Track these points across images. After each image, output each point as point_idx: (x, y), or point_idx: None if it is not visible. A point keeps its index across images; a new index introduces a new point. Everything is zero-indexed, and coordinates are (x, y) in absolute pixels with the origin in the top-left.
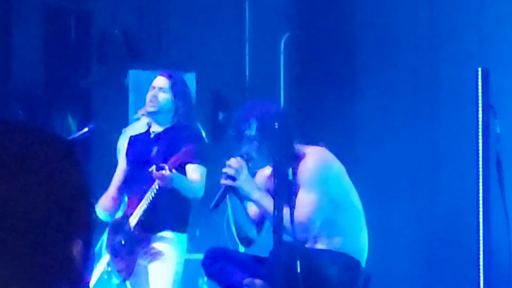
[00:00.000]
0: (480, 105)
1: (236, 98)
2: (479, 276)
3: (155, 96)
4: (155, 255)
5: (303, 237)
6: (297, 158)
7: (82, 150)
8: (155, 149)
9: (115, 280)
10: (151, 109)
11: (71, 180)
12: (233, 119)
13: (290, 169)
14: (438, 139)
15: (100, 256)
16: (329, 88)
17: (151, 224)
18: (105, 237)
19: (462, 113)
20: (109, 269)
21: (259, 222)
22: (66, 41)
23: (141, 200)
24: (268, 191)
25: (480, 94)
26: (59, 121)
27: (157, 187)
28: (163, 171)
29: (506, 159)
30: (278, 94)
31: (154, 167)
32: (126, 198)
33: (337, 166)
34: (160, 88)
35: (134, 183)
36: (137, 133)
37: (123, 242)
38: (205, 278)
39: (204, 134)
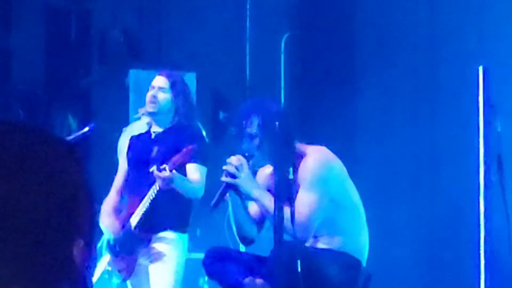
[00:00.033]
0: (481, 104)
1: (236, 97)
2: (479, 276)
3: (154, 96)
4: (156, 255)
5: (303, 236)
6: (298, 157)
7: (83, 150)
8: (155, 150)
9: (116, 280)
10: (151, 110)
11: (71, 180)
12: (235, 116)
13: (291, 168)
14: (439, 138)
15: (100, 255)
16: (330, 88)
17: (152, 224)
18: (105, 236)
19: (463, 112)
20: (110, 268)
21: (260, 221)
22: (66, 41)
23: (141, 200)
24: (269, 190)
25: (481, 93)
26: (60, 121)
27: (157, 187)
28: (164, 172)
29: (507, 158)
30: (278, 93)
31: (154, 167)
32: (126, 198)
33: (338, 166)
34: (160, 88)
35: (135, 184)
36: (137, 133)
37: (123, 242)
38: (206, 278)
39: (204, 134)
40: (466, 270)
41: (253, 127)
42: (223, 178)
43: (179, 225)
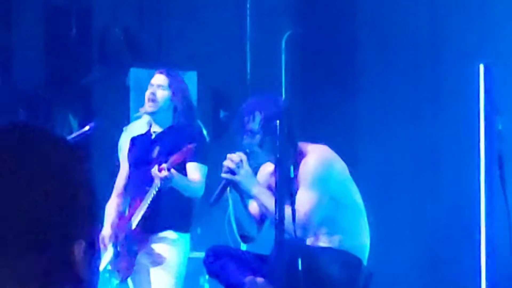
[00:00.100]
0: (482, 102)
1: (237, 96)
2: (480, 275)
3: (153, 94)
4: (157, 255)
5: (302, 234)
6: (299, 155)
7: (85, 149)
8: (156, 149)
9: (115, 280)
10: (151, 110)
11: (72, 180)
12: (238, 112)
13: (292, 167)
14: (439, 137)
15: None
16: (330, 87)
17: (153, 224)
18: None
19: (463, 111)
20: (110, 267)
21: (260, 220)
22: (67, 40)
23: (142, 200)
24: (269, 188)
25: (482, 91)
26: (60, 120)
27: (156, 187)
28: (162, 171)
29: (508, 157)
30: (279, 92)
31: (156, 167)
32: (129, 199)
33: (339, 165)
34: (159, 86)
35: (137, 184)
36: (138, 133)
37: (124, 242)
38: (207, 277)
39: (205, 133)
40: (467, 270)
41: (255, 123)
42: (223, 174)
43: (180, 225)
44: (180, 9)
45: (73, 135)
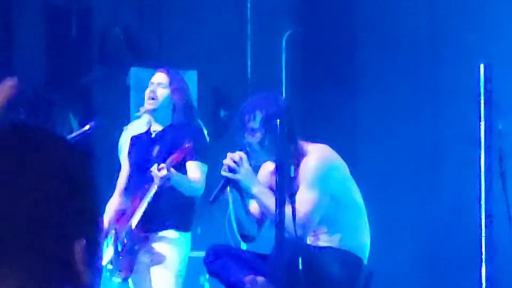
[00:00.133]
0: (482, 101)
1: (237, 95)
2: (480, 274)
3: (153, 91)
4: (157, 254)
5: (302, 234)
6: (300, 155)
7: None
8: (156, 148)
9: (116, 279)
10: (150, 107)
11: (72, 179)
12: (239, 110)
13: (292, 166)
14: (440, 136)
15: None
16: (331, 86)
17: (152, 223)
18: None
19: (463, 110)
20: (110, 266)
21: (260, 219)
22: (67, 39)
23: (142, 199)
24: (270, 187)
25: (482, 91)
26: (60, 119)
27: (156, 186)
28: (161, 170)
29: (508, 156)
30: (279, 91)
31: (155, 166)
32: (129, 198)
33: (340, 164)
34: (159, 84)
35: (137, 183)
36: (138, 132)
37: (124, 241)
38: (207, 276)
39: (205, 132)
40: (467, 269)
41: (255, 122)
42: (223, 172)
43: (181, 224)
44: (180, 8)
45: (73, 134)
